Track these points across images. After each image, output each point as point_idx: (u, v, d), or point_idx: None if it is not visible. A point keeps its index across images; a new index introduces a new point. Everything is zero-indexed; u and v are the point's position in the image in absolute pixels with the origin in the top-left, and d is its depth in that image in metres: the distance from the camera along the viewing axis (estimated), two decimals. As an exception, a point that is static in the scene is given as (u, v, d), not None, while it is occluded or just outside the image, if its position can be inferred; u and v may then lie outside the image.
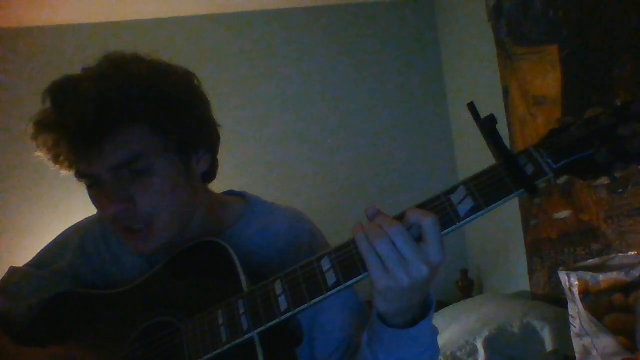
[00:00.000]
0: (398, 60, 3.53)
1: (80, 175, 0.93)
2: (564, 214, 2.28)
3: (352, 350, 0.96)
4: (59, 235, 1.16)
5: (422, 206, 0.76)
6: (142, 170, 0.90)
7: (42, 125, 0.90)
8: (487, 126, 0.72)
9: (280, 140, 3.40)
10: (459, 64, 3.37)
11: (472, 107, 0.73)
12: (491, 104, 2.79)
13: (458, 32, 3.34)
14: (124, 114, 0.88)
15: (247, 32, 3.45)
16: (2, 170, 3.09)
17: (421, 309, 0.83)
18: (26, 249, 2.72)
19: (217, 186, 1.10)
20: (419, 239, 0.74)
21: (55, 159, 0.91)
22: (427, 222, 0.73)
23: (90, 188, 0.95)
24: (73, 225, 1.16)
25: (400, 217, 0.76)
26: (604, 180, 0.73)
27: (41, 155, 0.92)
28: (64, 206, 2.97)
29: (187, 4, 3.29)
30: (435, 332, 0.88)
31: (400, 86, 3.51)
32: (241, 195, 1.13)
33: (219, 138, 1.03)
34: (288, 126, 3.42)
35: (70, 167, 0.92)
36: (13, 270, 1.12)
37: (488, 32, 2.79)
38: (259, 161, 3.34)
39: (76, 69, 0.96)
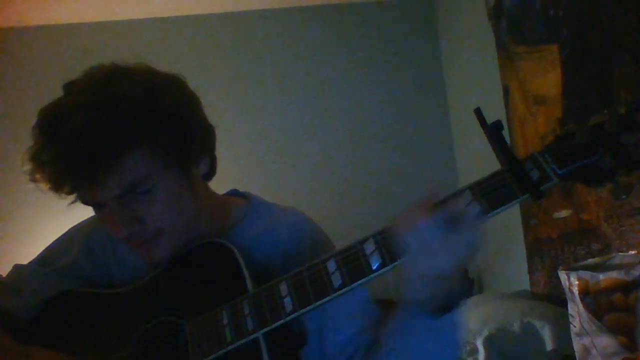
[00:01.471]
0: (398, 59, 3.53)
1: (84, 202, 0.94)
2: (564, 213, 2.28)
3: (363, 345, 0.95)
4: (64, 233, 1.17)
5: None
6: (146, 192, 0.90)
7: (38, 163, 0.88)
8: (494, 132, 0.73)
9: (279, 140, 3.40)
10: (459, 63, 3.37)
11: (478, 112, 0.73)
12: (491, 104, 2.79)
13: (458, 32, 3.34)
14: (119, 144, 0.86)
15: (246, 31, 3.45)
16: (2, 170, 3.09)
17: (445, 300, 0.82)
18: (27, 249, 2.72)
19: (219, 187, 1.11)
20: (458, 226, 0.74)
21: (56, 192, 0.90)
22: (472, 211, 0.73)
23: (96, 210, 0.96)
24: (78, 224, 1.17)
25: (443, 202, 0.76)
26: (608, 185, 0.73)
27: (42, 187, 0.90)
28: (65, 205, 2.97)
29: (187, 3, 3.29)
30: (460, 324, 0.86)
31: (400, 86, 3.51)
32: (244, 196, 1.13)
33: (215, 135, 1.02)
34: (287, 125, 3.42)
35: (68, 195, 0.91)
36: (18, 268, 1.13)
37: (488, 31, 2.79)
38: (258, 161, 3.35)
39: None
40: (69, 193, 0.90)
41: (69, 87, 0.93)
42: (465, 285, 0.87)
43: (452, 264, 0.74)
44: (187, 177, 0.95)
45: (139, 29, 3.29)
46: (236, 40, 3.44)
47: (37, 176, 0.89)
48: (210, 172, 1.03)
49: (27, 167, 0.90)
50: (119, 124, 0.85)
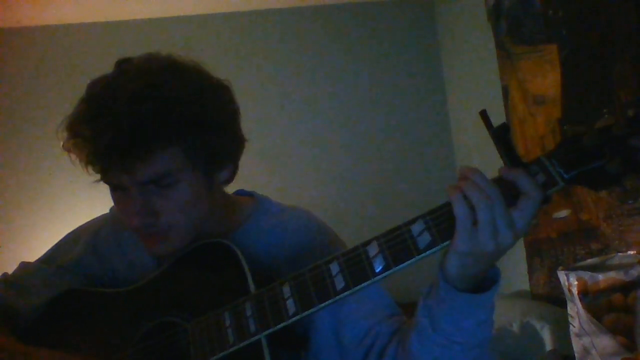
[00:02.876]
0: (398, 59, 3.52)
1: (105, 181, 0.94)
2: (564, 213, 2.28)
3: (382, 334, 0.93)
4: (70, 232, 1.17)
5: (438, 209, 0.76)
6: (168, 185, 0.91)
7: (74, 132, 0.89)
8: (500, 135, 0.72)
9: (279, 139, 3.39)
10: (458, 63, 3.37)
11: (484, 115, 0.72)
12: (491, 104, 2.79)
13: (458, 32, 3.34)
14: (158, 139, 0.87)
15: (246, 31, 3.45)
16: (3, 170, 3.08)
17: (483, 278, 0.81)
18: (31, 247, 2.73)
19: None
20: (510, 203, 0.73)
21: (87, 166, 0.91)
22: (537, 195, 0.71)
23: (114, 191, 0.95)
24: (86, 223, 1.17)
25: (498, 180, 0.74)
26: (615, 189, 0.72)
27: (69, 154, 0.91)
28: (67, 206, 2.97)
29: (188, 3, 3.28)
30: (493, 307, 0.85)
31: (400, 86, 3.51)
32: (250, 195, 1.13)
33: (244, 147, 1.03)
34: (287, 125, 3.42)
35: (96, 172, 0.92)
36: (23, 266, 1.13)
37: (487, 31, 2.79)
38: (258, 160, 3.33)
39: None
40: (97, 172, 0.91)
41: (122, 65, 0.94)
42: (497, 269, 0.85)
43: (507, 242, 0.72)
44: (210, 181, 0.96)
45: (139, 29, 3.28)
46: (236, 40, 3.43)
47: (70, 144, 0.90)
48: (230, 179, 1.04)
49: (64, 134, 0.90)
50: (162, 121, 0.86)
